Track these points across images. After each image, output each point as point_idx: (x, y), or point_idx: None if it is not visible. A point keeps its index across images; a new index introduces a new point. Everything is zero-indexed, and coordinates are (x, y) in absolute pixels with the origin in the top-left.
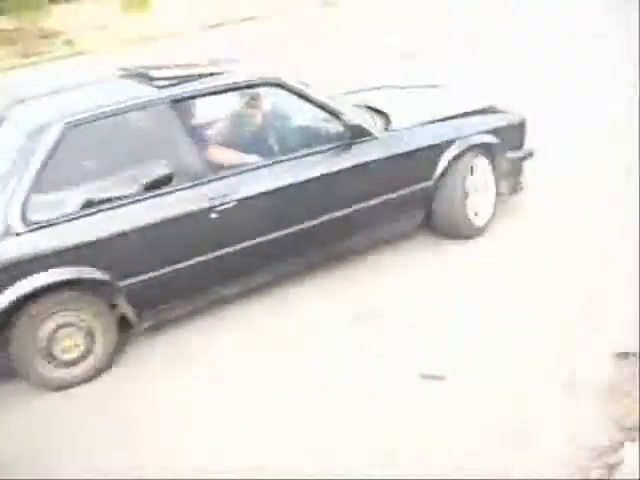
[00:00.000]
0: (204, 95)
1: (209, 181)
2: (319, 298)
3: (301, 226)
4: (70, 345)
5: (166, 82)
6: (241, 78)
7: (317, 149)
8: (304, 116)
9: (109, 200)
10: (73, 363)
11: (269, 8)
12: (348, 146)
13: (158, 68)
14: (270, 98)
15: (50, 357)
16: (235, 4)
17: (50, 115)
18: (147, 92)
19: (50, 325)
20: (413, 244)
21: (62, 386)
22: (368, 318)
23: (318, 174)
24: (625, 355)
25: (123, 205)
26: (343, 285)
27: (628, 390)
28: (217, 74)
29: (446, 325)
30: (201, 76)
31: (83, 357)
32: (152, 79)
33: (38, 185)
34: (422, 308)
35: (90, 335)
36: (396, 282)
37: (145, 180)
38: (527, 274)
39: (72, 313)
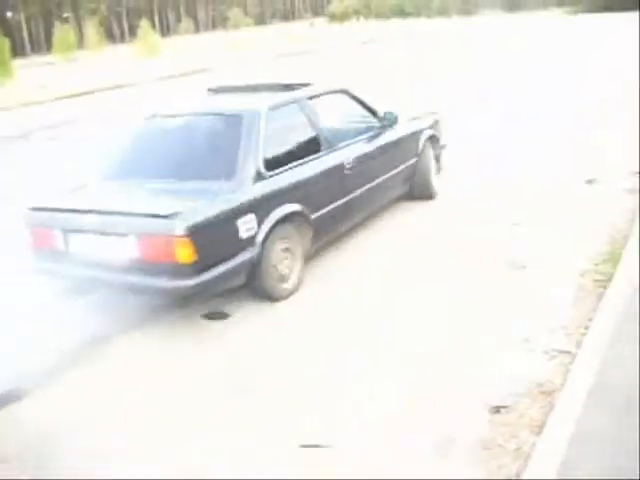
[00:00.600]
0: (316, 96)
1: (335, 149)
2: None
3: (367, 186)
4: (287, 265)
5: (298, 88)
6: (327, 87)
7: (369, 134)
8: (359, 113)
9: (302, 157)
10: (286, 279)
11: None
12: (381, 131)
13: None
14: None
15: (277, 274)
16: None
17: (244, 106)
18: (291, 94)
19: (278, 248)
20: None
21: (280, 298)
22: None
23: (373, 148)
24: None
25: (309, 161)
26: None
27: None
28: (310, 85)
29: None
30: (305, 85)
31: (290, 275)
32: (288, 87)
33: (264, 147)
34: None
35: (294, 257)
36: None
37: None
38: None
39: (287, 240)
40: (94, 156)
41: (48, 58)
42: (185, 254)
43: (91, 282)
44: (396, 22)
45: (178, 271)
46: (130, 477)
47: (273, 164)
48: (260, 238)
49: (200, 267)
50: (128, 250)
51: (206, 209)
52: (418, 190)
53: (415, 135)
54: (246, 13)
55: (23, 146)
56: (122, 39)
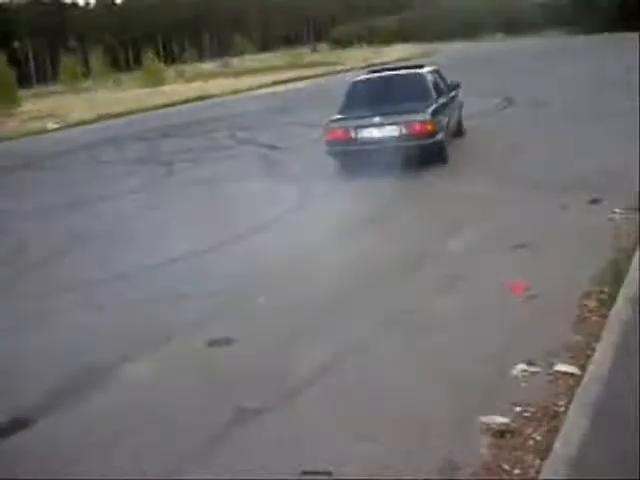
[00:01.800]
0: (433, 71)
1: (446, 93)
2: None
3: (455, 110)
4: (446, 133)
5: (427, 66)
6: (433, 66)
7: (453, 89)
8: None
9: (440, 95)
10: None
11: None
12: (454, 89)
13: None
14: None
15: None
16: None
17: (419, 70)
18: (428, 68)
19: (444, 125)
20: None
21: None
22: None
23: (455, 94)
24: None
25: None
26: None
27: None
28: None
29: None
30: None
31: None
32: (421, 66)
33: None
34: None
35: (447, 131)
36: None
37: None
38: None
39: (445, 121)
40: None
41: (55, 87)
42: (430, 127)
43: (370, 153)
44: (399, 46)
45: (426, 136)
46: None
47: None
48: (445, 121)
49: (434, 133)
50: (399, 131)
51: (430, 110)
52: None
53: (459, 93)
54: (250, 41)
55: None
56: (128, 68)
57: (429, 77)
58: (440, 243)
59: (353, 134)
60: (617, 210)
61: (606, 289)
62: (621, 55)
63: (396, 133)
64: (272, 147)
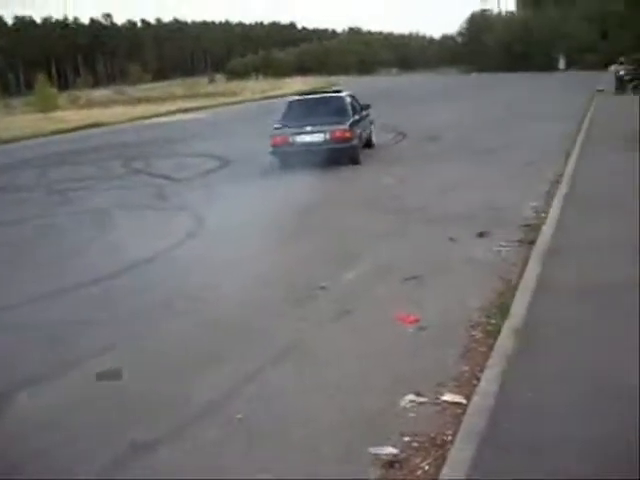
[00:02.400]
0: (350, 97)
1: (359, 112)
2: None
3: (365, 126)
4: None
5: (348, 92)
6: (349, 91)
7: (364, 110)
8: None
9: (355, 113)
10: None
11: None
12: (364, 110)
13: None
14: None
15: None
16: None
17: (341, 93)
18: (347, 92)
19: (359, 135)
20: None
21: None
22: None
23: (365, 114)
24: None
25: (356, 115)
26: None
27: None
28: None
29: None
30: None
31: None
32: (338, 91)
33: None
34: None
35: (360, 140)
36: None
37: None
38: None
39: (359, 131)
40: None
41: None
42: (347, 135)
43: (303, 153)
44: (297, 79)
45: (344, 141)
46: None
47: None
48: (358, 132)
49: (351, 140)
50: (324, 137)
51: (348, 122)
52: (369, 139)
53: (369, 113)
54: (145, 69)
55: None
56: (19, 92)
57: (347, 99)
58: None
59: (290, 139)
60: (503, 243)
61: (492, 320)
62: (507, 91)
63: (322, 139)
64: (166, 177)
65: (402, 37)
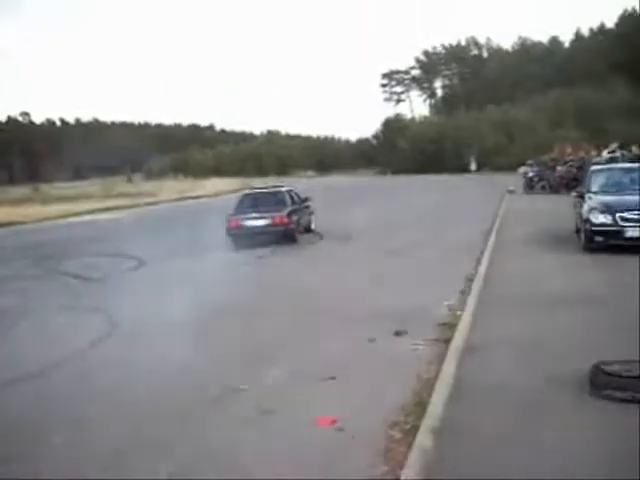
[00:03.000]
0: (289, 192)
1: (299, 204)
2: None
3: (303, 217)
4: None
5: (288, 187)
6: (290, 186)
7: (304, 202)
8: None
9: (294, 204)
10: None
11: None
12: (305, 202)
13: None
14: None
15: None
16: None
17: (282, 188)
18: (288, 187)
19: (296, 221)
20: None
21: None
22: None
23: (305, 206)
24: None
25: (295, 205)
26: None
27: None
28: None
29: None
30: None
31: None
32: (280, 186)
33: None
34: None
35: (298, 226)
36: None
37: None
38: None
39: (296, 219)
40: None
41: None
42: (285, 220)
43: (251, 234)
44: (216, 180)
45: (283, 225)
46: None
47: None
48: (296, 219)
49: (289, 224)
50: (267, 222)
51: (286, 211)
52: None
53: (309, 205)
54: (64, 168)
55: None
56: None
57: (286, 193)
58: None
59: (241, 223)
60: (420, 341)
61: (410, 419)
62: (420, 192)
63: (265, 223)
64: (79, 277)
65: (319, 140)
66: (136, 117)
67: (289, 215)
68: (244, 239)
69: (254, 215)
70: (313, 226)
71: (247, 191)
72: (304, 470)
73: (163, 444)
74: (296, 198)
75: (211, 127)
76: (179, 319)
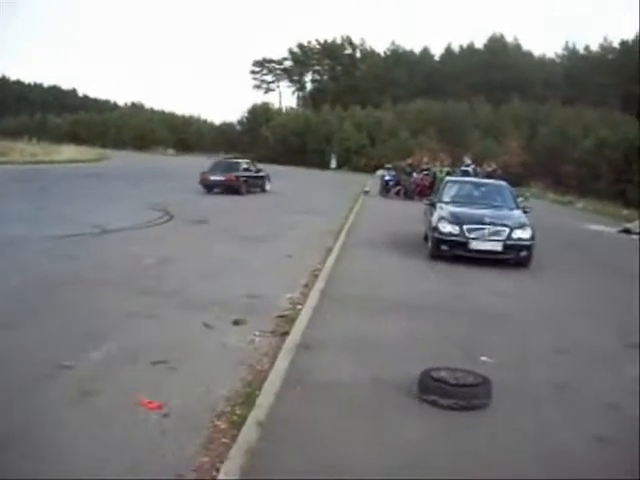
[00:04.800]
0: (244, 163)
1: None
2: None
3: (255, 182)
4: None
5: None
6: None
7: (254, 172)
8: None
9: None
10: None
11: None
12: (261, 172)
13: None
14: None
15: None
16: None
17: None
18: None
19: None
20: None
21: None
22: None
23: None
24: None
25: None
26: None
27: None
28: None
29: None
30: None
31: None
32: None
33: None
34: None
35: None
36: None
37: None
38: None
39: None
40: None
41: None
42: (235, 179)
43: (214, 185)
44: (72, 147)
45: (233, 181)
46: None
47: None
48: (243, 180)
49: (237, 181)
50: (223, 178)
51: (236, 174)
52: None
53: (263, 175)
54: None
55: None
56: None
57: (242, 163)
58: None
59: (209, 177)
60: (257, 332)
61: (238, 410)
62: (279, 183)
63: (224, 178)
64: None
65: (184, 118)
66: None
67: (237, 177)
68: (209, 187)
69: (217, 173)
70: (268, 188)
71: (216, 159)
72: (122, 453)
73: None
74: (251, 168)
75: (74, 91)
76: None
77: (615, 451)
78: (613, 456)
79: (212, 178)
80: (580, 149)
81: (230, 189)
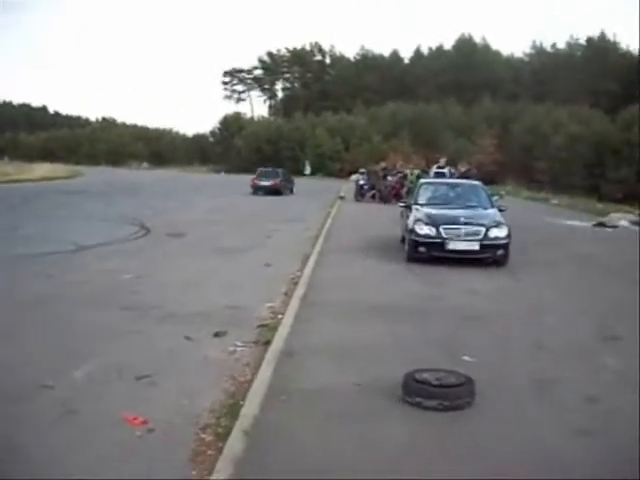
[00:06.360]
0: (281, 170)
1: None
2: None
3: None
4: None
5: (282, 170)
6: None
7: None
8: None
9: None
10: None
11: None
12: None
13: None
14: None
15: None
16: None
17: None
18: (278, 169)
19: None
20: None
21: None
22: None
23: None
24: None
25: None
26: None
27: None
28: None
29: None
30: None
31: None
32: (279, 167)
33: None
34: None
35: None
36: None
37: None
38: None
39: None
40: None
41: None
42: (278, 183)
43: (263, 189)
44: (45, 165)
45: (277, 186)
46: None
47: None
48: (282, 184)
49: (279, 185)
50: (269, 183)
51: (279, 179)
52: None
53: (292, 179)
54: None
55: None
56: None
57: (280, 170)
58: None
59: (259, 182)
60: (239, 343)
61: (222, 422)
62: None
63: (268, 184)
64: None
65: (157, 131)
66: None
67: (280, 181)
68: (257, 190)
69: (264, 180)
70: (294, 190)
71: (261, 168)
72: (109, 470)
73: None
74: (286, 174)
75: (44, 108)
76: None
77: (594, 443)
78: (594, 448)
79: (261, 183)
80: (552, 146)
81: (274, 191)
